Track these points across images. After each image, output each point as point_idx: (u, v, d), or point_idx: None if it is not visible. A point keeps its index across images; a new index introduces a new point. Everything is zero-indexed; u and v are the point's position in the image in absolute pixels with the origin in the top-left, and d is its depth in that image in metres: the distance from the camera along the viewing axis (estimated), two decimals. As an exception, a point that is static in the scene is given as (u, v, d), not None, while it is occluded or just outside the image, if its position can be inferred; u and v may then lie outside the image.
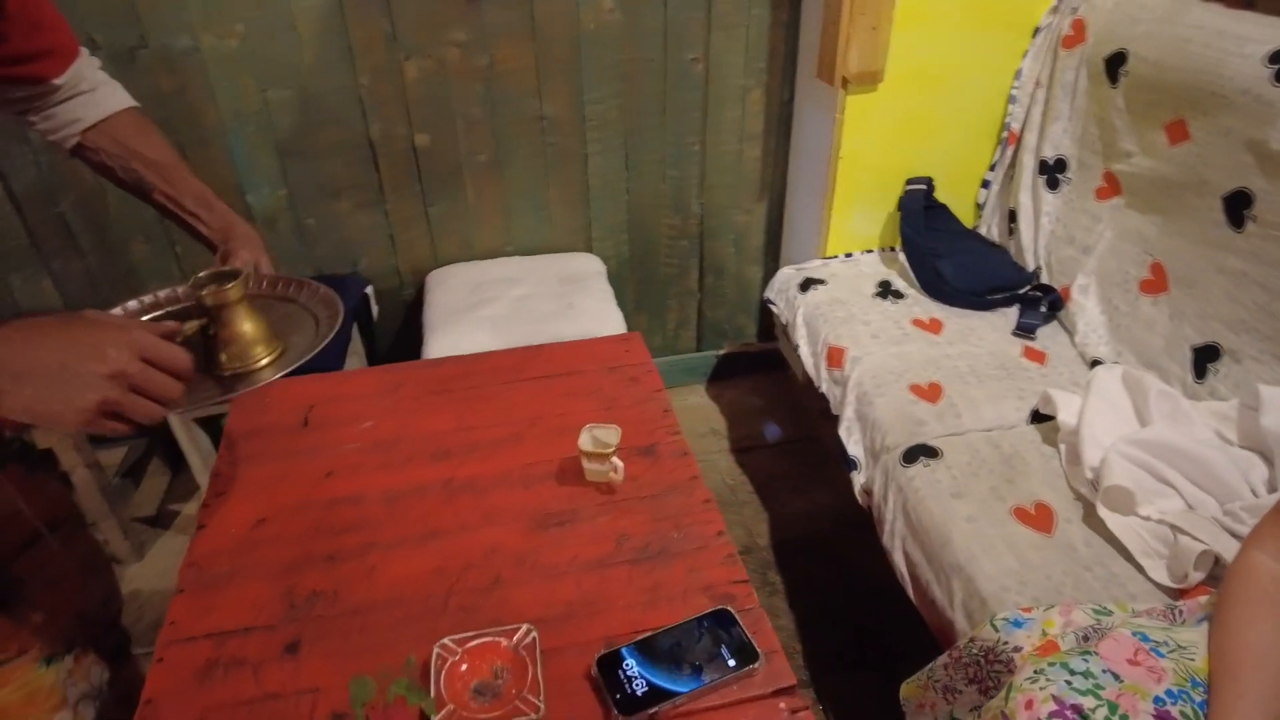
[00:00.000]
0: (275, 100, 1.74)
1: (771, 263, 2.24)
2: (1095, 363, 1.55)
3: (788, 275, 1.95)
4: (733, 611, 0.88)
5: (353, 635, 0.89)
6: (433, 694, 0.79)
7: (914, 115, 1.78)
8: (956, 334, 1.67)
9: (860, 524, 1.52)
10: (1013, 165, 1.85)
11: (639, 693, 0.80)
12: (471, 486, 1.07)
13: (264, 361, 0.90)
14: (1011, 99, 1.81)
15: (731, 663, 0.83)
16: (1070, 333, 1.65)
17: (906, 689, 1.19)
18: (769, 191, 2.13)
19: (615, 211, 2.06)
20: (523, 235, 2.04)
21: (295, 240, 1.93)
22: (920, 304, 1.77)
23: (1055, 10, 1.73)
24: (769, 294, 1.97)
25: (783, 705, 0.81)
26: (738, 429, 2.24)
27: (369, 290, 1.97)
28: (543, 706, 0.78)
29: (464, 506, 1.04)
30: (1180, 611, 0.99)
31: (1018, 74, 1.79)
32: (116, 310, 0.94)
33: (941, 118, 1.80)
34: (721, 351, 2.39)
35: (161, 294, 1.00)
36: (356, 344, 1.97)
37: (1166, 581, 1.13)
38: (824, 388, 1.70)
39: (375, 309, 2.01)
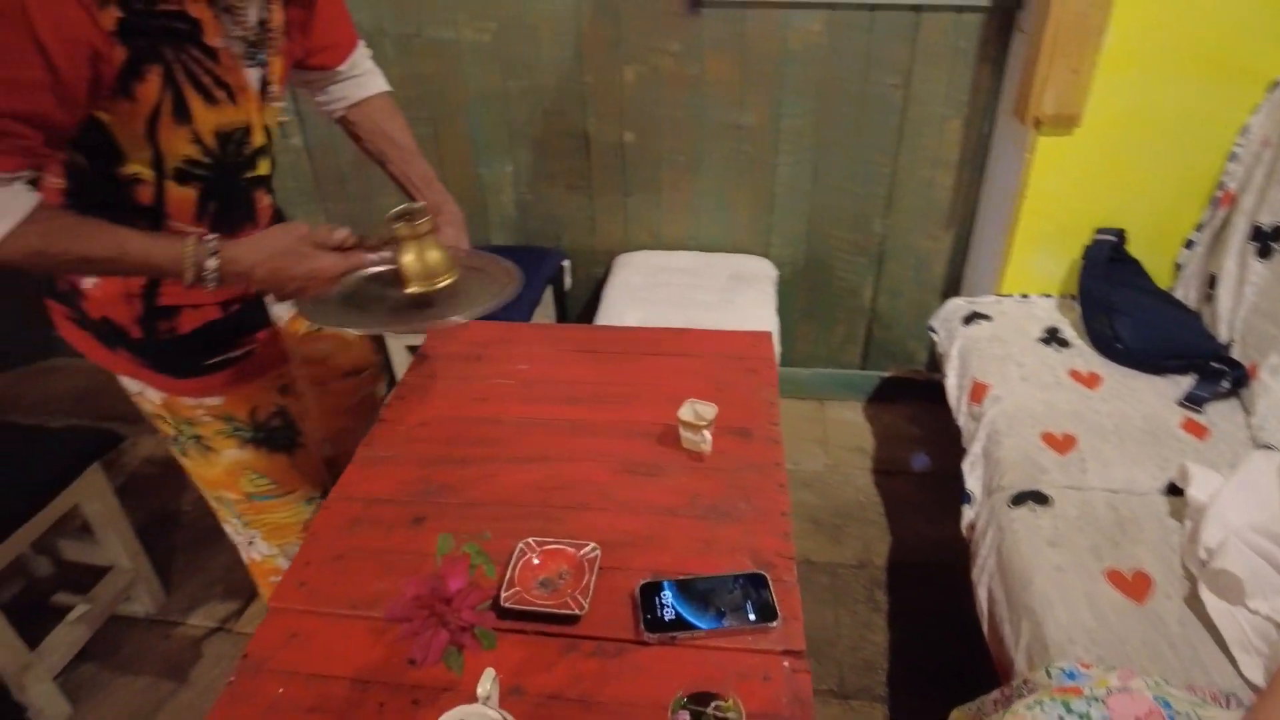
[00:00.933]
0: (513, 89, 2.03)
1: (951, 293, 2.23)
2: (1266, 449, 1.44)
3: (955, 306, 1.95)
4: (767, 576, 0.99)
5: (465, 520, 1.11)
6: (506, 578, 0.98)
7: (1113, 163, 1.72)
8: (1113, 391, 1.61)
9: (966, 558, 1.53)
10: (1223, 228, 1.72)
11: (666, 618, 0.94)
12: (586, 429, 1.26)
13: (443, 283, 1.06)
14: (1233, 157, 1.69)
15: (752, 617, 0.94)
16: (1247, 413, 1.54)
17: (956, 714, 1.22)
18: (957, 222, 2.12)
19: (796, 221, 2.16)
20: (706, 232, 2.21)
21: (514, 210, 2.24)
22: (1084, 356, 1.72)
23: (1300, 66, 1.60)
24: (933, 322, 1.98)
25: (786, 663, 0.91)
26: (885, 451, 2.26)
27: (565, 264, 2.23)
28: (587, 606, 0.95)
29: (575, 443, 1.23)
30: (1236, 702, 0.95)
31: (1244, 130, 1.67)
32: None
33: (1144, 169, 1.72)
34: (886, 374, 2.41)
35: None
36: (549, 307, 2.25)
37: (1259, 681, 1.07)
38: (961, 421, 1.71)
39: (569, 280, 2.27)
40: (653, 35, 1.93)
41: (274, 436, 1.21)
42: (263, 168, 1.07)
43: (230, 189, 1.03)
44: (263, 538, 1.28)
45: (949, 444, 2.27)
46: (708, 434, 1.17)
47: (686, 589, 0.98)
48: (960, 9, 1.82)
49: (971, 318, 1.88)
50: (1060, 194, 1.77)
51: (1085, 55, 1.57)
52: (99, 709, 1.65)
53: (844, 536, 1.99)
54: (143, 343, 1.05)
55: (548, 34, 1.95)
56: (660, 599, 0.96)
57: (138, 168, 0.92)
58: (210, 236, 0.90)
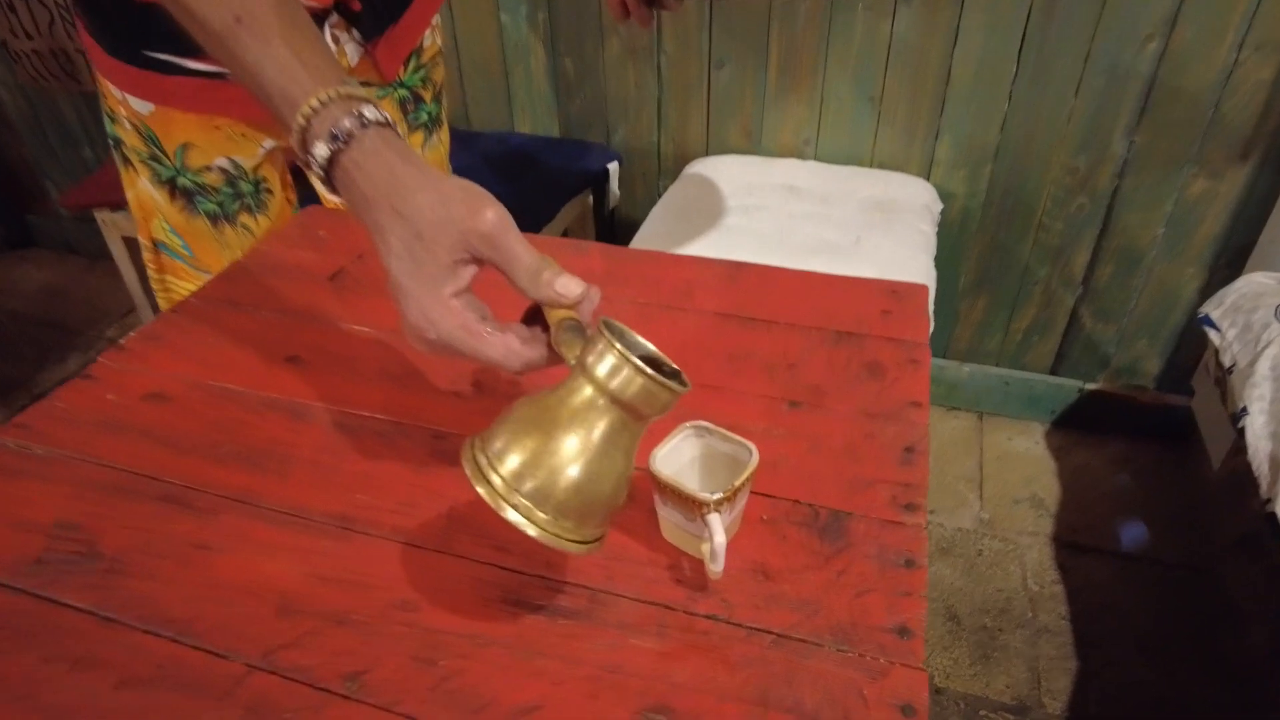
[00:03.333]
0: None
1: (1226, 268, 1.36)
2: None
3: (1257, 286, 1.10)
4: None
5: (63, 674, 0.43)
6: None
7: None
8: None
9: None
10: None
11: None
12: (461, 462, 0.55)
13: (571, 540, 0.40)
14: None
15: None
16: None
17: None
18: (1264, 148, 1.25)
19: (982, 127, 1.34)
20: (833, 135, 1.42)
21: (547, 86, 1.53)
22: None
23: None
24: (1211, 310, 1.14)
25: None
26: (1076, 510, 1.43)
27: (612, 167, 1.51)
28: None
29: (442, 492, 0.53)
30: None
31: None
32: None
33: None
34: (1090, 386, 1.56)
35: None
36: (585, 228, 1.54)
37: None
38: None
39: (616, 192, 1.55)
40: None
41: (202, 194, 0.86)
42: None
43: None
44: (161, 307, 0.96)
45: (1185, 516, 1.41)
46: (715, 525, 0.44)
47: None
48: None
49: (1297, 311, 1.03)
50: None
51: None
52: None
53: (998, 652, 1.20)
54: None
55: None
56: None
57: None
58: (361, 114, 0.46)
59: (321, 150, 0.46)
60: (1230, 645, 1.18)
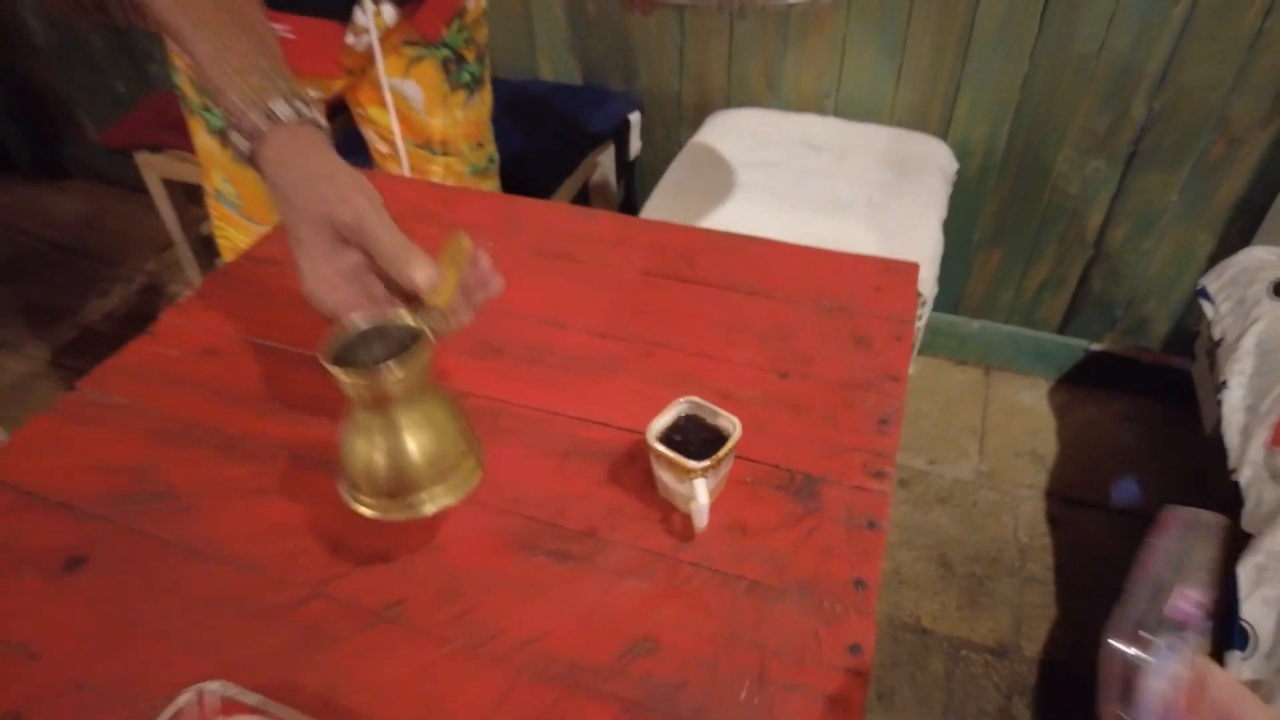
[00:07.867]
0: None
1: (1240, 236, 1.37)
2: None
3: (1257, 260, 1.13)
4: None
5: (157, 574, 0.52)
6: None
7: None
8: None
9: None
10: None
11: None
12: (490, 421, 0.62)
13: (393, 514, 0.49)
14: None
15: None
16: None
17: None
18: (1289, 116, 1.25)
19: (1003, 84, 1.35)
20: (853, 90, 1.44)
21: (567, 27, 1.54)
22: None
23: None
24: (1209, 283, 1.17)
25: None
26: (1076, 467, 1.49)
27: (634, 117, 1.54)
28: None
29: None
30: None
31: None
32: None
33: None
34: (1097, 347, 1.59)
35: None
36: (607, 178, 1.58)
37: None
38: (1244, 476, 0.94)
39: (637, 143, 1.58)
40: None
41: None
42: None
43: None
44: (220, 252, 1.05)
45: (1182, 476, 1.46)
46: (702, 489, 0.50)
47: None
48: None
49: (1294, 284, 1.06)
50: None
51: None
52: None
53: (985, 598, 1.28)
54: None
55: None
56: None
57: None
58: (271, 112, 0.51)
59: (242, 144, 0.53)
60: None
